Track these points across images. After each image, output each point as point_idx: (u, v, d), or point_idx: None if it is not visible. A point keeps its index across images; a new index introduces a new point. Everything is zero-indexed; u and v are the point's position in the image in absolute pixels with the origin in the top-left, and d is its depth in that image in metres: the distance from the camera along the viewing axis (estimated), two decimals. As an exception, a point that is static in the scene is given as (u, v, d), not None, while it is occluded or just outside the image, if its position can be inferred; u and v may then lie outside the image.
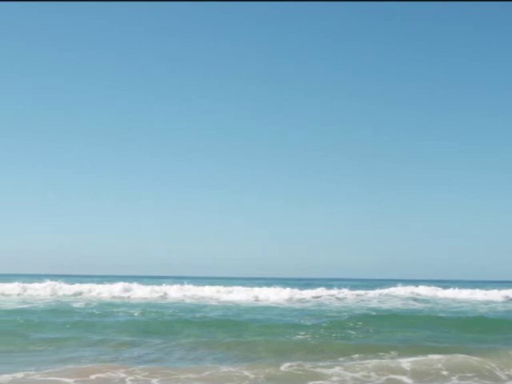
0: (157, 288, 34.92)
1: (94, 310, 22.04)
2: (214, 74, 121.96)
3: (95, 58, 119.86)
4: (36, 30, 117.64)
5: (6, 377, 9.70)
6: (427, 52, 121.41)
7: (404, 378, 10.23)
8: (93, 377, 9.84)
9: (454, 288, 43.76)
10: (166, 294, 33.53)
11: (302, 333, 15.94)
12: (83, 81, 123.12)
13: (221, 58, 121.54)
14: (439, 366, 11.17)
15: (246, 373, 10.28)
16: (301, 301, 31.30)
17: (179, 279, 51.45)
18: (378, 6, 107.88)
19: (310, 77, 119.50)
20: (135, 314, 20.75)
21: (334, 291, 37.50)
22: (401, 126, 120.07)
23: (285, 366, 10.82)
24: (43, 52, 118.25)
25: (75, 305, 24.66)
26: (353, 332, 16.68)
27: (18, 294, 31.92)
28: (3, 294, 31.84)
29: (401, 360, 11.62)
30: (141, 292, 33.42)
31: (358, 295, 36.43)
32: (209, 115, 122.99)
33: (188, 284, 38.26)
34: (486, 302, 33.05)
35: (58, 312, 21.18)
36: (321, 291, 37.21)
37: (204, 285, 39.22)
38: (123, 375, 9.96)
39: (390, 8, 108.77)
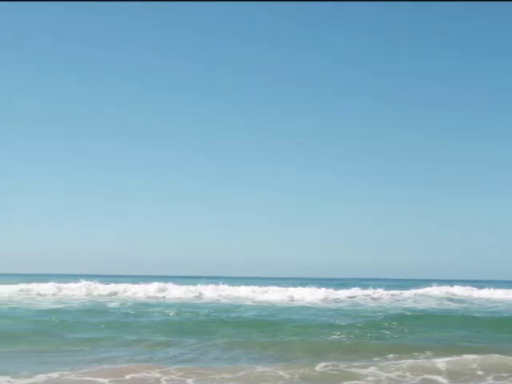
0: (192, 288, 34.98)
1: (129, 310, 22.17)
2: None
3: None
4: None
5: (41, 377, 9.79)
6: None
7: (439, 378, 10.16)
8: (128, 377, 9.88)
9: (489, 288, 43.37)
10: (201, 294, 33.58)
11: (337, 333, 15.89)
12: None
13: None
14: (474, 365, 11.08)
15: (281, 373, 10.27)
16: (336, 301, 31.20)
17: (214, 279, 51.57)
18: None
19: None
20: (170, 314, 20.82)
21: (369, 291, 37.37)
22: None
23: (320, 366, 10.80)
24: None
25: (110, 305, 24.81)
26: (388, 332, 16.61)
27: (54, 294, 32.15)
28: (39, 294, 32.12)
29: (436, 360, 11.55)
30: (176, 292, 33.49)
31: (392, 295, 36.28)
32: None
33: (223, 284, 38.33)
34: (522, 302, 32.76)
35: (93, 312, 21.35)
36: (356, 291, 37.12)
37: (239, 285, 39.18)
38: (158, 375, 10.00)
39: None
